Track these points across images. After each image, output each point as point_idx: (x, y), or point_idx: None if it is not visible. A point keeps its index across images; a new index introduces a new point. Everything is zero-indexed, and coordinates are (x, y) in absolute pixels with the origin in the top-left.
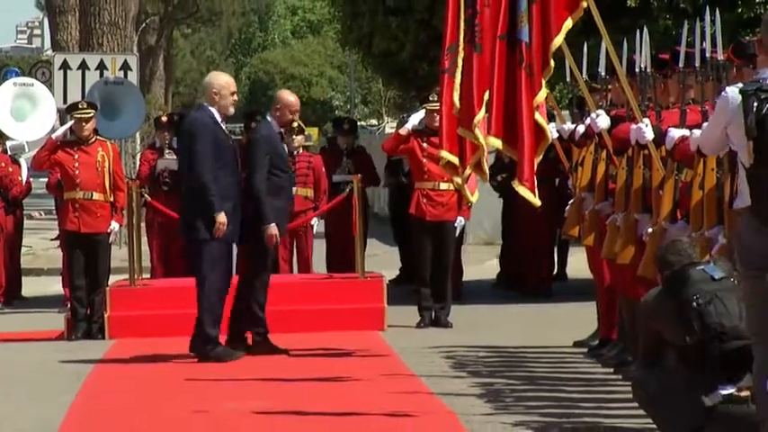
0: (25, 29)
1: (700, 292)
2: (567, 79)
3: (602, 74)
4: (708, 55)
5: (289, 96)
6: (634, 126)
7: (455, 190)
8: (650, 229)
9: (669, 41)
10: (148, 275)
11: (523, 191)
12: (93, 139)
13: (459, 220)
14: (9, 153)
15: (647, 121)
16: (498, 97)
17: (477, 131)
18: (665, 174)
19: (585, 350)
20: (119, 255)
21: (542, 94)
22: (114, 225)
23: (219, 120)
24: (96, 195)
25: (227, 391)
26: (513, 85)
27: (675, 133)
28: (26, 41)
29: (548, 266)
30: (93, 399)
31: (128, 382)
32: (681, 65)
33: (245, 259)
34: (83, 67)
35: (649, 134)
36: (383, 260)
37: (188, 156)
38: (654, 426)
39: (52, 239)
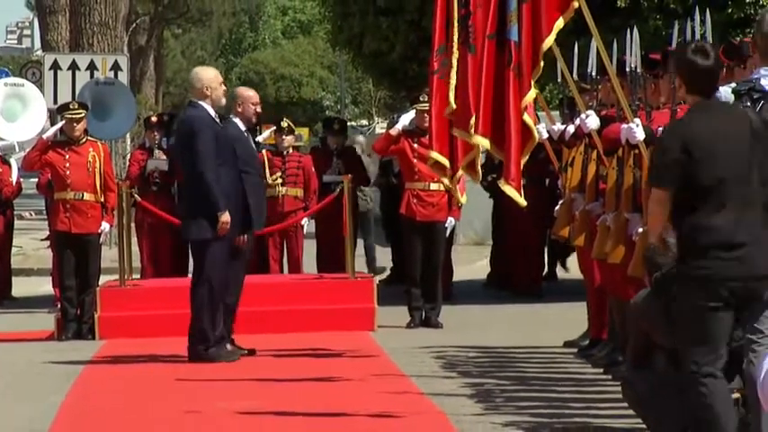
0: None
1: None
2: (559, 80)
3: (592, 74)
4: None
5: (246, 91)
6: (625, 126)
7: (445, 190)
8: (641, 229)
9: (659, 42)
10: (138, 276)
11: (509, 190)
12: (84, 140)
13: (450, 221)
14: None
15: (637, 120)
16: (486, 97)
17: (473, 134)
18: None
19: (576, 350)
20: (109, 255)
21: (531, 94)
22: (105, 225)
23: (214, 114)
24: (87, 196)
25: (217, 392)
26: (502, 85)
27: None
28: (16, 41)
29: (538, 267)
30: (83, 399)
31: (118, 382)
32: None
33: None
34: (73, 67)
35: (640, 134)
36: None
37: (189, 155)
38: (644, 426)
39: (42, 240)
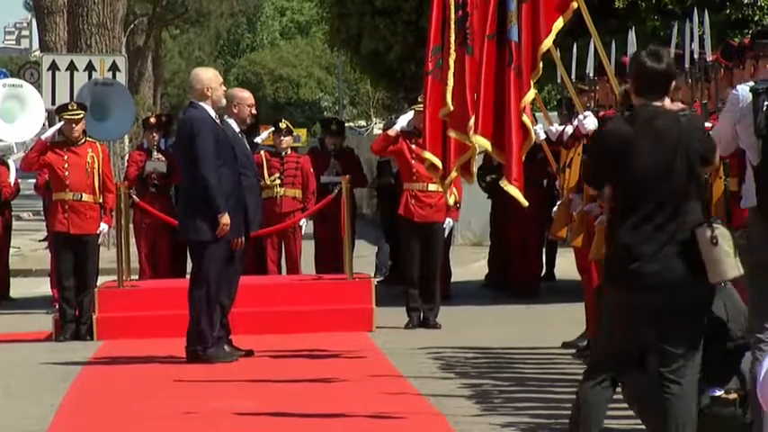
0: (13, 30)
1: None
2: (558, 80)
3: (590, 75)
4: (696, 56)
5: (242, 92)
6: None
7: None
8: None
9: (657, 43)
10: (136, 277)
11: (512, 190)
12: (83, 141)
13: (448, 222)
14: None
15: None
16: (487, 97)
17: (472, 134)
18: None
19: (574, 351)
20: (107, 256)
21: (530, 94)
22: (103, 226)
23: (214, 115)
24: (86, 197)
25: (215, 392)
26: (502, 86)
27: None
28: (14, 42)
29: (536, 267)
30: (81, 400)
31: (116, 383)
32: None
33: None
34: (71, 68)
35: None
36: (372, 261)
37: (189, 156)
38: (643, 426)
39: (40, 240)
